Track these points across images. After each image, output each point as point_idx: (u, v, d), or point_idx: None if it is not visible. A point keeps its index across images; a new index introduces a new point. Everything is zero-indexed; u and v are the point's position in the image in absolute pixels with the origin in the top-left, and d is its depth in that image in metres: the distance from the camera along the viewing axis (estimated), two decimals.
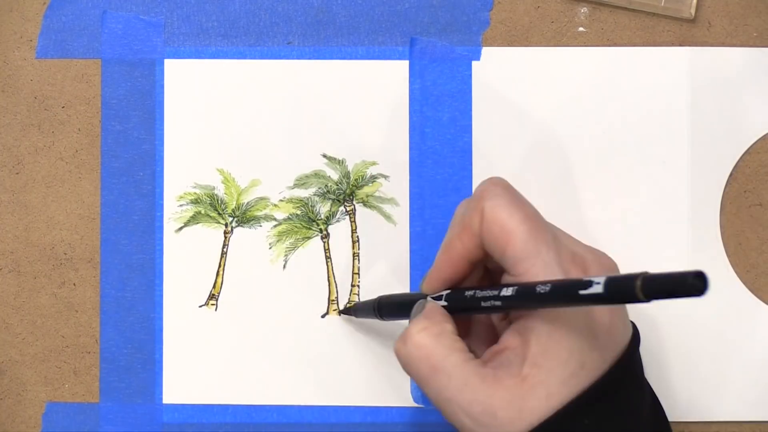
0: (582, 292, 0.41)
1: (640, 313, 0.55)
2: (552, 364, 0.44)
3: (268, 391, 0.56)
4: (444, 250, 0.48)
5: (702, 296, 0.38)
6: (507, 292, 0.44)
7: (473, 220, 0.47)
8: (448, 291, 0.48)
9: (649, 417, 0.47)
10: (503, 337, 0.46)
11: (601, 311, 0.45)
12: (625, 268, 0.54)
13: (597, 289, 0.40)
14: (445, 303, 0.48)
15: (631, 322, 0.48)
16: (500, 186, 0.47)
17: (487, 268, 0.50)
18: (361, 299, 0.56)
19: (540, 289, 0.43)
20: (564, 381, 0.44)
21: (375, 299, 0.53)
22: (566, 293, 0.42)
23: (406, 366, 0.47)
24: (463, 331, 0.48)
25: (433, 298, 0.49)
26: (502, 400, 0.44)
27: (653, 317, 0.55)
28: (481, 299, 0.46)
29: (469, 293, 0.47)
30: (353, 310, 0.55)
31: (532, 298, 0.43)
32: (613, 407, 0.45)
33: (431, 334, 0.46)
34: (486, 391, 0.44)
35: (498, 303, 0.45)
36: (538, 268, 0.45)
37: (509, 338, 0.46)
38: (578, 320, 0.44)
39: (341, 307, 0.56)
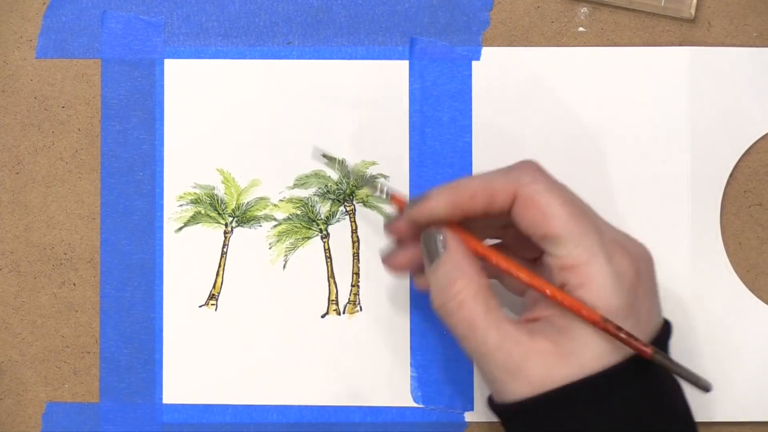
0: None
1: None
2: (587, 339, 0.45)
3: (268, 391, 0.56)
4: (452, 188, 0.47)
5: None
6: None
7: (500, 195, 0.46)
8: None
9: (681, 412, 0.47)
10: (538, 306, 0.47)
11: (644, 295, 0.46)
12: None
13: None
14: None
15: (664, 318, 0.49)
16: (536, 170, 0.47)
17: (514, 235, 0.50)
18: (361, 299, 0.56)
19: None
20: (598, 356, 0.45)
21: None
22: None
23: (446, 320, 0.47)
24: None
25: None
26: (535, 362, 0.45)
27: None
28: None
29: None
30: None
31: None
32: (640, 387, 0.45)
33: (470, 293, 0.46)
34: (520, 352, 0.45)
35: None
36: (581, 249, 0.45)
37: (546, 308, 0.46)
38: (622, 300, 0.45)
39: (341, 308, 0.56)
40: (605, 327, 0.44)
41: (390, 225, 0.50)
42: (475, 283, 0.47)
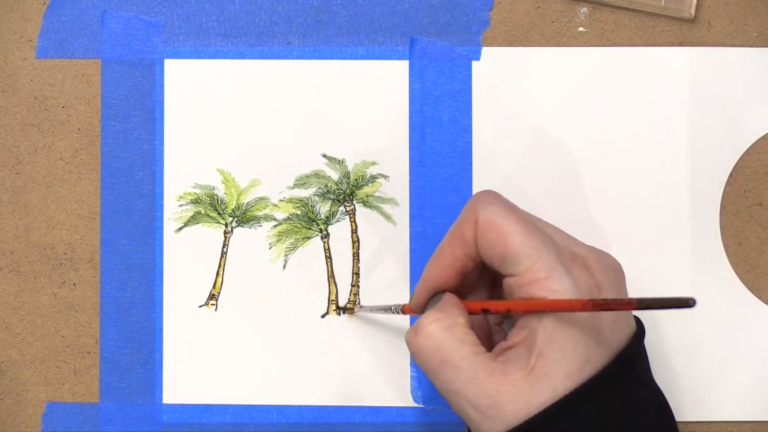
0: None
1: (640, 313, 0.55)
2: (558, 356, 0.44)
3: (268, 391, 0.56)
4: (434, 259, 0.49)
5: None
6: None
7: (465, 230, 0.47)
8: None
9: (653, 414, 0.47)
10: (511, 333, 0.47)
11: None
12: (625, 268, 0.54)
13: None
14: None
15: (636, 317, 0.49)
16: (491, 194, 0.48)
17: (481, 280, 0.51)
18: (361, 299, 0.56)
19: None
20: (569, 375, 0.44)
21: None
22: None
23: (416, 356, 0.47)
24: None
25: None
26: (509, 393, 0.44)
27: (653, 317, 0.55)
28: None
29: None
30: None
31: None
32: (612, 399, 0.45)
33: (443, 326, 0.46)
34: (493, 385, 0.45)
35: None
36: (539, 264, 0.45)
37: (517, 334, 0.46)
38: (584, 315, 0.45)
39: (341, 305, 0.56)
40: (594, 304, 0.43)
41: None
42: (450, 318, 0.47)
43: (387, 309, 0.53)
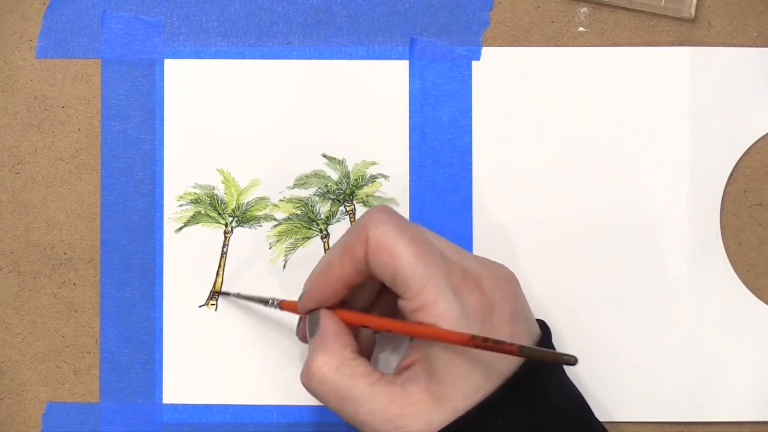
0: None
1: (639, 312, 0.55)
2: (454, 380, 0.45)
3: (268, 391, 0.56)
4: (323, 271, 0.49)
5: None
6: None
7: (356, 248, 0.47)
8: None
9: (571, 415, 0.47)
10: (408, 351, 0.48)
11: (501, 321, 0.46)
12: (625, 268, 0.54)
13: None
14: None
15: (540, 321, 0.49)
16: (384, 212, 0.48)
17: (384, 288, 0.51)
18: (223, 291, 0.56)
19: None
20: (468, 394, 0.45)
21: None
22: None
23: (317, 398, 0.48)
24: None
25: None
26: (411, 416, 0.45)
27: (653, 317, 0.55)
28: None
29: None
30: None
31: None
32: (520, 408, 0.45)
33: (332, 367, 0.47)
34: (395, 410, 0.45)
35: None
36: (429, 289, 0.45)
37: (413, 352, 0.47)
38: (477, 333, 0.45)
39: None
40: (475, 344, 0.44)
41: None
42: (338, 357, 0.47)
43: (264, 301, 0.54)
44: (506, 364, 0.46)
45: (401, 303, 0.47)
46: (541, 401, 0.46)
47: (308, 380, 0.47)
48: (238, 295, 0.55)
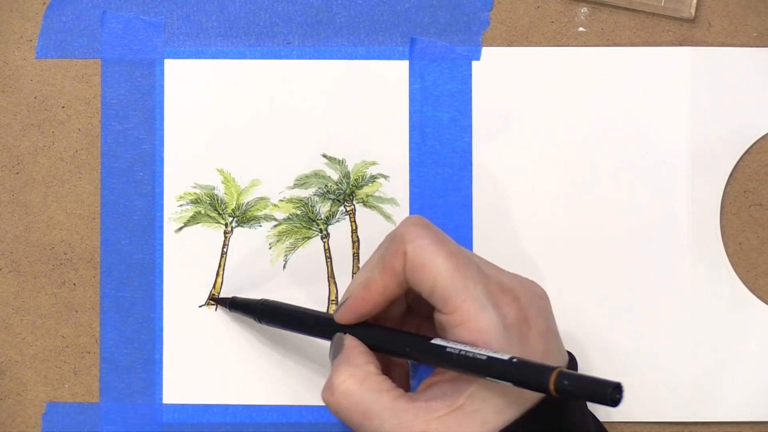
0: (489, 378, 0.43)
1: (639, 312, 0.55)
2: (487, 395, 0.44)
3: (268, 391, 0.56)
4: (363, 285, 0.48)
5: (617, 407, 0.40)
6: (407, 349, 0.47)
7: (395, 262, 0.47)
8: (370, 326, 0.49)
9: None
10: (437, 369, 0.47)
11: (536, 338, 0.46)
12: (625, 268, 0.54)
13: (505, 375, 0.43)
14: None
15: (568, 351, 0.49)
16: (420, 225, 0.47)
17: (412, 302, 0.51)
18: (219, 298, 0.56)
19: (452, 354, 0.44)
20: (500, 410, 0.44)
21: (258, 300, 0.54)
22: (473, 367, 0.44)
23: (338, 414, 0.47)
24: (385, 361, 0.49)
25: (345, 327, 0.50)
26: (437, 431, 0.44)
27: (653, 317, 0.55)
28: (408, 350, 0.48)
29: (396, 342, 0.48)
30: (229, 303, 0.55)
31: (442, 361, 0.45)
32: (552, 426, 0.45)
33: (357, 381, 0.46)
34: (420, 425, 0.45)
35: (412, 354, 0.47)
36: (468, 303, 0.45)
37: (441, 370, 0.46)
38: (513, 351, 0.45)
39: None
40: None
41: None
42: (362, 371, 0.47)
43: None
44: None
45: (439, 317, 0.46)
46: (567, 426, 0.46)
47: (330, 394, 0.47)
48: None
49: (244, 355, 0.56)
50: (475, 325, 0.45)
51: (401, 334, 0.49)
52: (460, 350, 0.44)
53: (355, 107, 0.56)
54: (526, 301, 0.47)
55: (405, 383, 0.51)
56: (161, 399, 0.56)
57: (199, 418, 0.56)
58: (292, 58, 0.57)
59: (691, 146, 0.55)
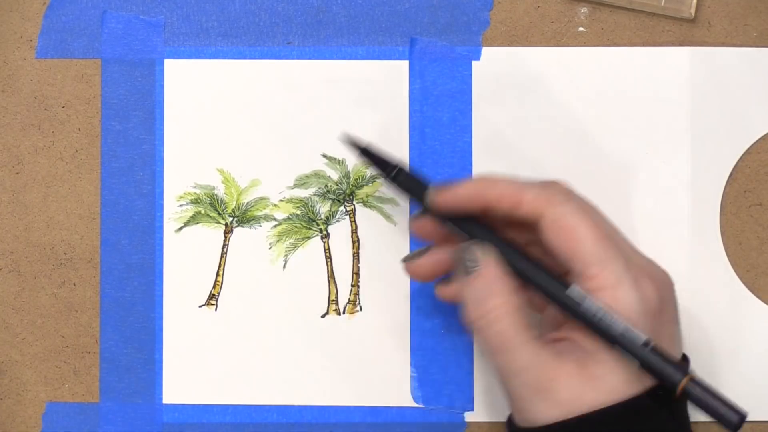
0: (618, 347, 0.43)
1: None
2: (614, 364, 0.45)
3: (268, 391, 0.56)
4: (487, 177, 0.48)
5: None
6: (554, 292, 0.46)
7: (526, 208, 0.47)
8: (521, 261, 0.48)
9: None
10: (565, 326, 0.47)
11: (668, 321, 0.46)
12: None
13: (636, 356, 0.44)
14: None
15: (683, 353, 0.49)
16: (565, 192, 0.48)
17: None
18: (361, 299, 0.56)
19: (589, 316, 0.44)
20: (627, 381, 0.44)
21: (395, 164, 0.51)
22: (607, 336, 0.44)
23: (480, 333, 0.47)
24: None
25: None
26: (564, 384, 0.44)
27: None
28: (542, 287, 0.47)
29: (537, 275, 0.47)
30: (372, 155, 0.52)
31: (574, 314, 0.45)
32: (669, 415, 0.45)
33: (511, 309, 0.46)
34: (550, 372, 0.45)
35: (554, 301, 0.47)
36: (608, 272, 0.45)
37: (573, 329, 0.46)
38: (647, 331, 0.45)
39: (341, 308, 0.56)
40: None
41: (415, 222, 0.51)
42: (512, 303, 0.46)
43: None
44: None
45: (573, 279, 0.46)
46: (680, 417, 0.46)
47: (479, 315, 0.46)
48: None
49: (244, 355, 0.56)
50: (612, 293, 0.45)
51: (537, 269, 0.48)
52: (597, 312, 0.44)
53: (355, 107, 0.56)
54: (661, 284, 0.47)
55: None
56: (161, 399, 0.56)
57: (199, 418, 0.56)
58: (292, 58, 0.57)
59: (691, 146, 0.55)
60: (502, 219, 0.49)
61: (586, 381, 0.44)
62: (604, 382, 0.44)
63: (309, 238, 0.57)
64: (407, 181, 0.50)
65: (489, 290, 0.47)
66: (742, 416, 0.41)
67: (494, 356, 0.46)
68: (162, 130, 0.57)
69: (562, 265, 0.47)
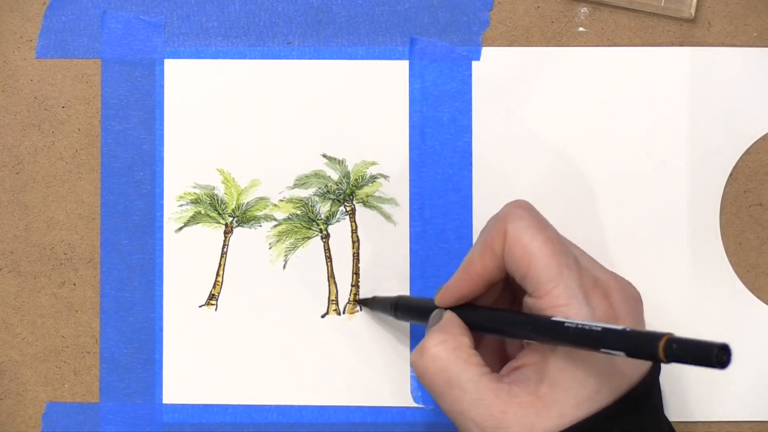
0: (603, 349, 0.42)
1: None
2: (569, 385, 0.44)
3: (268, 391, 0.56)
4: (464, 267, 0.48)
5: (725, 369, 0.39)
6: (526, 327, 0.46)
7: (495, 241, 0.47)
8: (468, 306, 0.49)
9: None
10: (522, 353, 0.47)
11: None
12: (625, 268, 0.54)
13: (617, 345, 0.42)
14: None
15: None
16: (523, 208, 0.48)
17: (506, 286, 0.50)
18: (361, 299, 0.56)
19: (569, 328, 0.43)
20: (578, 403, 0.44)
21: (394, 297, 0.54)
22: (588, 340, 0.43)
23: (422, 377, 0.47)
24: (476, 342, 0.49)
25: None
26: (515, 416, 0.44)
27: (653, 316, 0.55)
28: (505, 325, 0.47)
29: (492, 316, 0.48)
30: (370, 302, 0.55)
31: (557, 336, 0.44)
32: (633, 421, 0.45)
33: (448, 347, 0.46)
34: (500, 406, 0.44)
35: (522, 331, 0.46)
36: (560, 290, 0.45)
37: (528, 355, 0.46)
38: None
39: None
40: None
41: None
42: (456, 340, 0.46)
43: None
44: (618, 384, 0.45)
45: (529, 300, 0.46)
46: (652, 420, 0.46)
47: (419, 356, 0.47)
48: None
49: (244, 355, 0.56)
50: (563, 311, 0.44)
51: (517, 313, 0.48)
52: (577, 324, 0.43)
53: (354, 107, 0.56)
54: (617, 299, 0.46)
55: (493, 365, 0.49)
56: (161, 399, 0.56)
57: (199, 418, 0.56)
58: (292, 58, 0.57)
59: (690, 146, 0.55)
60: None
61: (539, 410, 0.44)
62: (557, 407, 0.44)
63: (309, 238, 0.57)
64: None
65: (432, 333, 0.47)
66: (722, 347, 0.40)
67: (440, 397, 0.46)
68: (162, 130, 0.57)
69: (522, 288, 0.47)
